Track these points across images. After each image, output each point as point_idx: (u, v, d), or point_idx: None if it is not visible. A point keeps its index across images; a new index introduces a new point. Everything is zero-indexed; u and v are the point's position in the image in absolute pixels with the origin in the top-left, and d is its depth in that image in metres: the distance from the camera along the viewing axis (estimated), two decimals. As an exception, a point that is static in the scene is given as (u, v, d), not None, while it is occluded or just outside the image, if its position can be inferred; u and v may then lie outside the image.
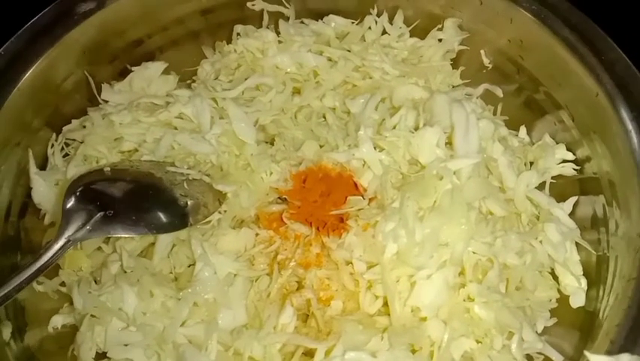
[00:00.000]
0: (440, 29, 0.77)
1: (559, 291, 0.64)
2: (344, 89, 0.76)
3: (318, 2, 0.80)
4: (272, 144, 0.71)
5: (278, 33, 0.78)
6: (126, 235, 0.59)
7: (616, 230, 0.60)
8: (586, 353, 0.49)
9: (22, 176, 0.66)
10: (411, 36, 0.79)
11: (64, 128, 0.70)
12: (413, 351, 0.57)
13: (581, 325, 0.60)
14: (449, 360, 0.56)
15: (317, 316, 0.59)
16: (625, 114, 0.60)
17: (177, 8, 0.76)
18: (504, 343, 0.57)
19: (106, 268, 0.62)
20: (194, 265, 0.61)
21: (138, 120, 0.68)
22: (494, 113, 0.75)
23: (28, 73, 0.65)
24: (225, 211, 0.65)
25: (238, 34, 0.78)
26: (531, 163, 0.71)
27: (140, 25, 0.75)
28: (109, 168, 0.62)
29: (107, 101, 0.73)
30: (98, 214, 0.56)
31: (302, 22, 0.79)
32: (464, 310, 0.58)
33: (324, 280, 0.61)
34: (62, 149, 0.69)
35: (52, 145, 0.69)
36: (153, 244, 0.63)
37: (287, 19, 0.79)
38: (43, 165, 0.68)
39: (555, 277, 0.64)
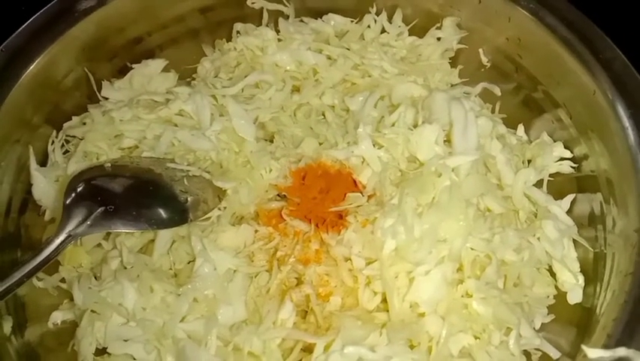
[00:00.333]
0: (439, 28, 0.78)
1: (556, 287, 0.64)
2: (343, 87, 0.76)
3: (318, 1, 0.80)
4: (271, 141, 0.71)
5: (277, 31, 0.78)
6: (126, 231, 0.60)
7: (613, 227, 0.60)
8: (583, 347, 0.50)
9: (23, 172, 0.66)
10: (410, 35, 0.79)
11: (65, 125, 0.70)
12: (411, 346, 0.57)
13: (578, 321, 0.60)
14: (447, 355, 0.56)
15: (316, 311, 0.59)
16: (622, 112, 0.61)
17: (177, 6, 0.77)
18: (502, 339, 0.58)
19: (106, 264, 0.62)
20: (193, 261, 0.61)
21: (138, 117, 0.68)
22: (492, 112, 0.76)
23: (29, 70, 0.65)
24: (225, 208, 0.65)
25: (238, 32, 0.79)
26: (529, 161, 0.71)
27: (140, 22, 0.75)
28: (109, 164, 0.62)
29: (107, 98, 0.73)
30: (99, 210, 0.56)
31: (301, 21, 0.80)
32: (462, 306, 0.58)
33: (323, 276, 0.61)
34: (63, 145, 0.70)
35: (53, 142, 0.69)
36: (153, 240, 0.63)
37: (286, 17, 0.79)
38: (43, 162, 0.68)
39: (553, 274, 0.65)
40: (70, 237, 0.55)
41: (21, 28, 0.66)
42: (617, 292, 0.55)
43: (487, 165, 0.67)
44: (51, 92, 0.69)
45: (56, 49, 0.67)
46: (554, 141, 0.70)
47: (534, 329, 0.61)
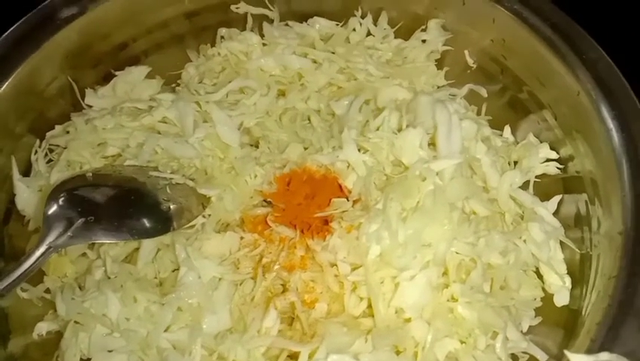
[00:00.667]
0: (424, 30, 0.77)
1: (543, 290, 0.64)
2: (329, 91, 0.76)
3: (303, 4, 0.80)
4: (256, 146, 0.71)
5: (262, 36, 0.78)
6: (108, 241, 0.59)
7: (598, 228, 0.60)
8: (566, 352, 0.49)
9: (6, 182, 0.66)
10: (395, 37, 0.79)
11: (48, 134, 0.70)
12: (397, 352, 0.57)
13: (565, 323, 0.60)
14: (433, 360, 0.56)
15: (302, 318, 0.59)
16: (606, 113, 0.61)
17: (161, 12, 0.76)
18: (488, 343, 0.57)
19: (90, 274, 0.62)
20: (178, 269, 0.61)
21: (121, 125, 0.68)
22: (478, 113, 0.76)
23: (11, 78, 0.65)
24: (210, 215, 0.65)
25: (222, 37, 0.78)
26: (515, 162, 0.71)
27: (124, 29, 0.74)
28: (91, 174, 0.62)
29: (90, 106, 0.72)
30: (79, 220, 0.56)
31: (286, 25, 0.79)
32: (448, 311, 0.58)
33: (309, 283, 0.61)
34: (46, 155, 0.69)
35: (36, 151, 0.68)
36: (137, 249, 0.63)
37: (271, 21, 0.79)
38: (26, 172, 0.68)
39: (540, 276, 0.64)
40: (50, 248, 0.55)
41: (2, 37, 0.66)
42: (601, 294, 0.54)
43: (472, 168, 0.67)
44: (34, 101, 0.68)
45: (39, 57, 0.67)
46: (540, 142, 0.70)
47: (521, 332, 0.61)
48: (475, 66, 0.77)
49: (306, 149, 0.70)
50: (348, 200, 0.65)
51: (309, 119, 0.74)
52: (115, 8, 0.72)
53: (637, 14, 0.85)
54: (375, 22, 0.79)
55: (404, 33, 0.79)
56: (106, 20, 0.72)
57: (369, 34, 0.79)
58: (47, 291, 0.64)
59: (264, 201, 0.67)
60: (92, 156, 0.67)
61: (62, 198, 0.57)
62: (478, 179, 0.67)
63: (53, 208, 0.57)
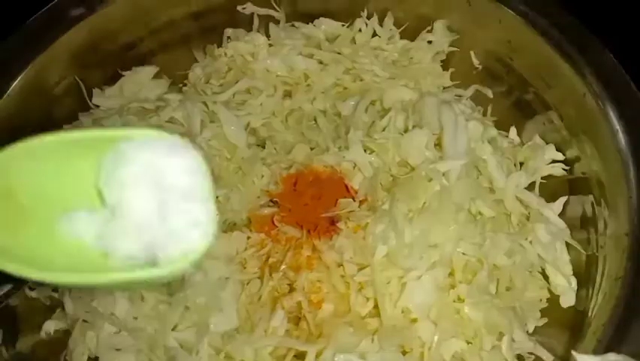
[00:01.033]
0: (430, 31, 0.77)
1: (549, 291, 0.64)
2: (335, 91, 0.76)
3: (309, 5, 0.80)
4: (263, 147, 0.71)
5: (268, 36, 0.78)
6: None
7: (604, 229, 0.60)
8: (573, 352, 0.50)
9: (14, 182, 0.66)
10: (401, 38, 0.79)
11: (56, 134, 0.70)
12: (404, 353, 0.57)
13: (571, 324, 0.60)
14: (439, 361, 0.56)
15: (308, 318, 0.59)
16: (612, 114, 0.61)
17: (168, 12, 0.76)
18: (494, 343, 0.57)
19: (98, 272, 0.62)
20: (185, 268, 0.61)
21: (129, 125, 0.68)
22: (484, 114, 0.76)
23: (19, 78, 0.65)
24: (217, 215, 0.65)
25: (228, 37, 0.79)
26: (521, 164, 0.71)
27: (131, 29, 0.75)
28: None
29: (98, 106, 0.73)
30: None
31: (292, 26, 0.79)
32: (454, 311, 0.58)
33: (315, 283, 0.61)
34: (54, 154, 0.69)
35: (44, 151, 0.69)
36: (145, 248, 0.63)
37: (277, 22, 0.79)
38: (34, 171, 0.68)
39: (545, 277, 0.64)
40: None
41: (10, 37, 0.66)
42: (607, 295, 0.54)
43: (478, 169, 0.67)
44: (42, 101, 0.68)
45: (46, 57, 0.67)
46: (546, 144, 0.70)
47: (527, 332, 0.61)
48: (480, 67, 0.77)
49: (312, 149, 0.71)
50: (354, 200, 0.65)
51: (315, 120, 0.74)
52: (122, 9, 0.72)
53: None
54: (381, 23, 0.79)
55: (410, 34, 0.79)
56: (113, 20, 0.72)
57: (374, 35, 0.79)
58: (55, 290, 0.64)
59: (271, 201, 0.68)
60: (99, 156, 0.67)
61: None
62: (484, 180, 0.67)
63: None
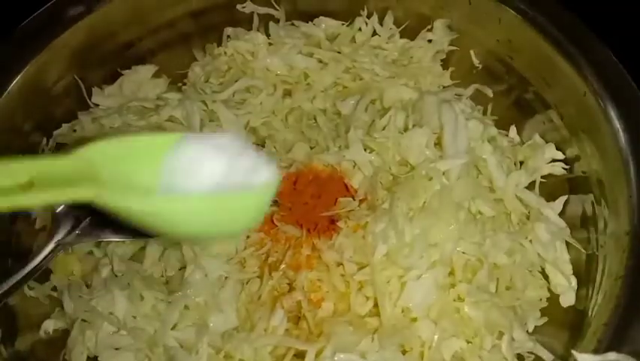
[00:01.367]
0: (430, 30, 0.77)
1: (549, 290, 0.64)
2: (335, 90, 0.76)
3: (308, 4, 0.80)
4: (263, 146, 0.71)
5: (268, 35, 0.78)
6: (116, 240, 0.59)
7: (604, 229, 0.60)
8: (573, 352, 0.50)
9: (13, 181, 0.66)
10: (401, 37, 0.79)
11: (55, 133, 0.70)
12: (403, 352, 0.57)
13: (571, 324, 0.60)
14: (439, 360, 0.56)
15: (308, 318, 0.59)
16: (612, 113, 0.60)
17: (167, 11, 0.76)
18: (494, 343, 0.57)
19: (97, 272, 0.62)
20: (184, 268, 0.61)
21: (128, 124, 0.68)
22: (484, 114, 0.75)
23: (18, 77, 0.65)
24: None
25: (228, 36, 0.78)
26: (521, 163, 0.71)
27: (131, 28, 0.75)
28: (99, 172, 0.62)
29: (97, 105, 0.73)
30: (88, 218, 0.56)
31: (292, 25, 0.79)
32: (454, 311, 0.58)
33: (315, 282, 0.61)
34: (53, 153, 0.69)
35: (43, 149, 0.69)
36: (144, 247, 0.63)
37: (277, 21, 0.79)
38: (33, 170, 0.68)
39: (545, 277, 0.64)
40: (59, 246, 0.55)
41: (10, 35, 0.66)
42: (607, 295, 0.54)
43: (478, 168, 0.67)
44: (41, 100, 0.68)
45: (46, 56, 0.67)
46: (546, 143, 0.70)
47: (527, 332, 0.61)
48: (480, 66, 0.77)
49: (312, 148, 0.70)
50: (354, 199, 0.65)
51: (315, 119, 0.74)
52: (121, 7, 0.72)
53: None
54: (381, 21, 0.79)
55: (410, 33, 0.79)
56: (112, 19, 0.72)
57: (374, 34, 0.79)
58: (54, 289, 0.64)
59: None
60: (98, 155, 0.67)
61: (70, 196, 0.58)
62: (483, 179, 0.67)
63: (62, 206, 0.57)
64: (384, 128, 0.67)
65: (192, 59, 0.80)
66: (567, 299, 0.62)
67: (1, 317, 0.59)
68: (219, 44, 0.79)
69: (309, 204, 0.65)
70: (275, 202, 0.67)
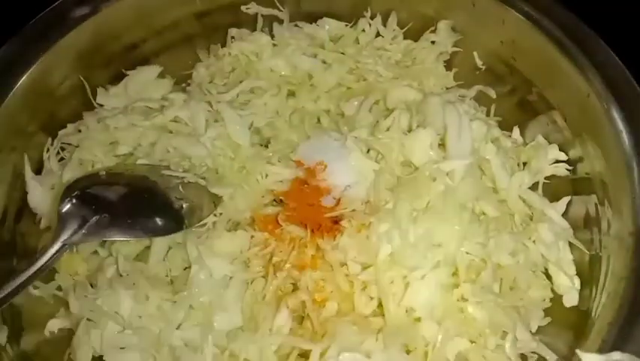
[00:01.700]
0: (433, 31, 0.78)
1: (552, 290, 0.64)
2: (338, 91, 0.76)
3: (312, 5, 0.80)
4: (267, 146, 0.71)
5: (272, 36, 0.78)
6: (122, 239, 0.60)
7: (608, 229, 0.60)
8: (578, 351, 0.50)
9: (18, 180, 0.66)
10: (404, 38, 0.79)
11: (60, 133, 0.70)
12: (407, 352, 0.57)
13: (574, 324, 0.60)
14: (443, 360, 0.56)
15: (312, 317, 0.59)
16: (616, 114, 0.61)
17: (172, 12, 0.77)
18: (498, 343, 0.57)
19: (102, 271, 0.62)
20: (189, 267, 0.61)
21: (133, 124, 0.68)
22: (487, 114, 0.76)
23: (24, 78, 0.65)
24: (221, 214, 0.65)
25: (232, 37, 0.79)
26: (524, 164, 0.71)
27: (135, 29, 0.75)
28: (104, 172, 0.62)
29: (102, 105, 0.73)
30: (94, 218, 0.56)
31: (296, 26, 0.80)
32: (458, 311, 0.58)
33: (319, 282, 0.61)
34: (58, 153, 0.69)
35: (48, 149, 0.69)
36: (149, 247, 0.63)
37: (281, 22, 0.79)
38: (38, 170, 0.68)
39: (549, 277, 0.65)
40: (65, 246, 0.55)
41: (15, 36, 0.66)
42: (612, 295, 0.55)
43: (481, 169, 0.67)
44: (46, 100, 0.69)
45: (51, 56, 0.67)
46: (549, 144, 0.70)
47: (530, 332, 0.61)
48: (484, 67, 0.77)
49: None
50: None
51: (318, 120, 0.74)
52: (126, 8, 0.73)
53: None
54: (384, 23, 0.79)
55: (413, 34, 0.79)
56: (117, 20, 0.72)
57: (378, 35, 0.79)
58: (59, 289, 0.64)
59: (274, 200, 0.68)
60: (104, 155, 0.68)
61: (76, 196, 0.58)
62: (487, 180, 0.67)
63: (67, 206, 0.57)
64: (388, 129, 0.68)
65: (196, 59, 0.81)
66: (570, 299, 0.62)
67: (7, 317, 0.59)
68: (223, 45, 0.79)
69: (314, 205, 0.65)
70: (279, 202, 0.67)
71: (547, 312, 0.63)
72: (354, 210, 0.64)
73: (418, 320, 0.58)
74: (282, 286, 0.62)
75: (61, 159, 0.70)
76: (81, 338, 0.58)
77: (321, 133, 0.70)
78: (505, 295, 0.61)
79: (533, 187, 0.68)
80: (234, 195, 0.65)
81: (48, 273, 0.57)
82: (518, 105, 0.74)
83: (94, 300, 0.59)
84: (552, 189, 0.69)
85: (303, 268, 0.62)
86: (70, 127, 0.71)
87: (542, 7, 0.68)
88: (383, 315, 0.59)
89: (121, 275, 0.61)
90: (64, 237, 0.55)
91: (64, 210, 0.57)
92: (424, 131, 0.64)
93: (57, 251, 0.54)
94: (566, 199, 0.67)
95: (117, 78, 0.75)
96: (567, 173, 0.68)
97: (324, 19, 0.80)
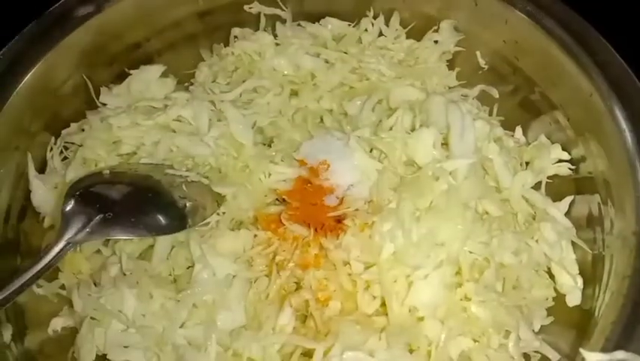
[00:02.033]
0: (436, 31, 0.78)
1: (555, 290, 0.64)
2: (341, 90, 0.76)
3: (315, 5, 0.80)
4: (270, 145, 0.71)
5: (275, 36, 0.78)
6: (125, 238, 0.60)
7: (611, 229, 0.61)
8: (581, 350, 0.50)
9: (22, 179, 0.66)
10: (407, 38, 0.79)
11: (63, 132, 0.70)
12: (411, 351, 0.57)
13: (577, 323, 0.60)
14: (446, 359, 0.56)
15: (315, 316, 0.59)
16: (619, 114, 0.61)
17: (175, 11, 0.77)
18: (501, 342, 0.58)
19: (105, 270, 0.62)
20: (192, 266, 0.61)
21: (136, 123, 0.68)
22: (490, 114, 0.76)
23: (27, 77, 0.65)
24: (224, 213, 0.65)
25: (235, 37, 0.79)
26: (527, 163, 0.71)
27: (138, 28, 0.75)
28: (108, 171, 0.62)
29: (105, 105, 0.73)
30: (98, 217, 0.57)
31: (299, 25, 0.80)
32: (461, 310, 0.58)
33: (322, 281, 0.61)
34: (61, 152, 0.70)
35: (51, 148, 0.69)
36: (152, 246, 0.63)
37: (284, 21, 0.79)
38: (42, 169, 0.69)
39: (551, 276, 0.65)
40: (69, 244, 0.55)
41: (19, 35, 0.66)
42: (615, 294, 0.55)
43: (484, 168, 0.67)
44: (49, 99, 0.69)
45: (54, 55, 0.67)
46: (552, 143, 0.70)
47: (533, 331, 0.61)
48: (486, 67, 0.77)
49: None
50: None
51: (321, 119, 0.74)
52: (129, 8, 0.73)
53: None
54: (387, 22, 0.79)
55: (416, 34, 0.79)
56: (120, 20, 0.72)
57: (381, 34, 0.80)
58: (62, 287, 0.64)
59: (277, 199, 0.68)
60: (107, 154, 0.68)
61: (80, 195, 0.58)
62: (490, 179, 0.67)
63: (71, 205, 0.57)
64: (391, 129, 0.68)
65: (199, 59, 0.81)
66: (573, 299, 0.62)
67: (11, 315, 0.59)
68: (226, 44, 0.79)
69: (317, 204, 0.65)
70: (282, 201, 0.67)
71: (550, 311, 0.63)
72: (357, 210, 0.64)
73: (421, 319, 0.58)
74: (286, 285, 0.62)
75: (65, 158, 0.70)
76: (85, 337, 0.59)
77: (324, 132, 0.70)
78: (508, 294, 0.61)
79: (536, 187, 0.68)
80: (237, 194, 0.66)
81: (51, 272, 0.57)
82: (521, 105, 0.74)
83: (97, 299, 0.59)
84: (555, 189, 0.69)
85: (306, 267, 0.62)
86: (73, 126, 0.71)
87: (545, 7, 0.68)
88: (386, 314, 0.59)
89: (124, 274, 0.61)
90: (68, 235, 0.55)
91: (68, 208, 0.57)
92: (427, 131, 0.64)
93: (61, 250, 0.55)
94: (568, 199, 0.67)
95: (120, 77, 0.75)
96: (570, 172, 0.68)
97: (327, 18, 0.80)
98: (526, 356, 0.60)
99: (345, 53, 0.77)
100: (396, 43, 0.79)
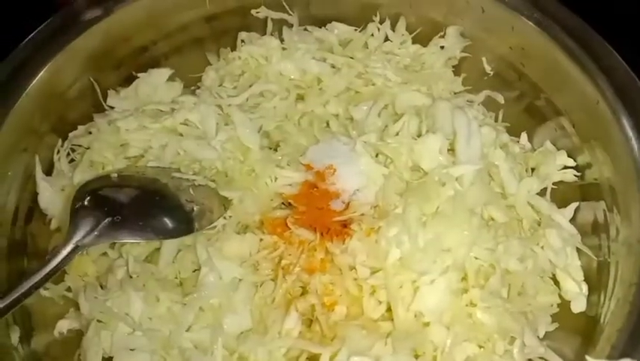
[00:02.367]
0: (442, 37, 0.78)
1: (560, 296, 0.64)
2: (347, 95, 0.77)
3: (322, 9, 0.80)
4: (276, 149, 0.72)
5: (282, 40, 0.79)
6: (133, 241, 0.60)
7: (617, 236, 0.61)
8: (587, 358, 0.50)
9: (29, 181, 0.67)
10: (413, 43, 0.80)
11: (71, 134, 0.71)
12: (416, 356, 0.57)
13: (582, 330, 0.61)
14: (452, 365, 0.56)
15: (321, 321, 0.59)
16: (625, 121, 0.61)
17: (182, 15, 0.77)
18: (506, 348, 0.58)
19: (112, 273, 0.62)
20: (199, 270, 0.61)
21: (144, 126, 0.69)
22: (496, 120, 0.76)
23: (35, 80, 0.66)
24: (230, 217, 0.65)
25: (242, 41, 0.79)
26: (532, 169, 0.71)
27: (146, 32, 0.75)
28: (115, 174, 0.63)
29: (112, 108, 0.73)
30: (106, 220, 0.57)
31: (305, 30, 0.80)
32: (467, 316, 0.58)
33: (328, 286, 0.61)
34: (68, 155, 0.70)
35: (59, 151, 0.69)
36: (158, 249, 0.63)
37: (290, 26, 0.80)
38: (49, 171, 0.69)
39: (556, 283, 0.65)
40: (77, 247, 0.55)
41: (28, 39, 0.67)
42: (621, 301, 0.55)
43: (490, 174, 0.67)
44: (57, 102, 0.69)
45: (62, 59, 0.68)
46: (558, 150, 0.71)
47: (538, 337, 0.61)
48: (492, 73, 0.77)
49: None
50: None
51: (327, 124, 0.74)
52: (137, 11, 0.73)
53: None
54: (393, 27, 0.80)
55: (422, 39, 0.79)
56: (128, 23, 0.73)
57: (387, 39, 0.80)
58: (68, 290, 0.65)
59: (283, 203, 0.68)
60: (114, 157, 0.68)
61: (88, 198, 0.58)
62: (496, 185, 0.67)
63: (79, 208, 0.57)
64: (397, 134, 0.68)
65: (206, 62, 0.81)
66: (578, 305, 0.63)
67: (18, 317, 0.59)
68: (233, 49, 0.79)
69: (323, 208, 0.65)
70: (288, 205, 0.67)
71: (555, 318, 0.64)
72: (363, 215, 0.65)
73: (427, 324, 0.58)
74: (291, 290, 0.62)
75: (72, 160, 0.70)
76: (91, 339, 0.59)
77: (330, 137, 0.71)
78: (513, 300, 0.61)
79: (542, 193, 0.69)
80: (244, 198, 0.66)
81: (58, 274, 0.57)
82: (526, 111, 0.75)
83: (104, 301, 0.59)
84: (560, 195, 0.69)
85: (312, 272, 0.62)
86: (80, 129, 0.71)
87: (551, 14, 0.68)
88: (392, 319, 0.59)
89: (131, 277, 0.61)
90: (76, 238, 0.55)
91: (76, 211, 0.57)
92: (433, 136, 0.65)
93: (70, 252, 0.55)
94: (574, 205, 0.68)
95: (128, 81, 0.76)
96: (575, 179, 0.69)
97: (333, 23, 0.80)
98: (531, 362, 0.60)
99: (352, 57, 0.77)
100: (402, 49, 0.79)
